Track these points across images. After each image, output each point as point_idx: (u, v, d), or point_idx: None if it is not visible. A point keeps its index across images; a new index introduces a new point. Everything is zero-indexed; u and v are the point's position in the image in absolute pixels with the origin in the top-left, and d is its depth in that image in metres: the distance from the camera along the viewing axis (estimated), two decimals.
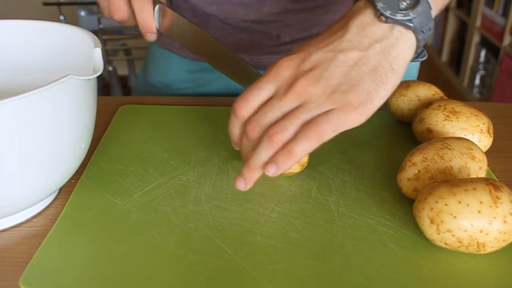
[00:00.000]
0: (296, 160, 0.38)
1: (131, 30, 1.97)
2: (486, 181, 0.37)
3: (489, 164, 0.50)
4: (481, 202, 0.35)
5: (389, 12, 0.37)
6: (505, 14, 2.05)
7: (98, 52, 0.42)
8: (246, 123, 0.40)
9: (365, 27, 0.38)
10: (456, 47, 2.69)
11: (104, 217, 0.42)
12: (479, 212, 0.35)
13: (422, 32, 0.39)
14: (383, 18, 0.38)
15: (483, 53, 2.34)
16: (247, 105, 0.40)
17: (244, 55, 0.67)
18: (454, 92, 2.53)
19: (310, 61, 0.38)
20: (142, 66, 0.81)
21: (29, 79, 0.50)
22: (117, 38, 2.02)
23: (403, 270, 0.37)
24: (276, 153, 0.38)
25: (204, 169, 0.49)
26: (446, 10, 2.75)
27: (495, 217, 0.35)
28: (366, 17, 0.38)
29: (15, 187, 0.38)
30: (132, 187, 0.46)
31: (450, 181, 0.38)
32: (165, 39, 0.72)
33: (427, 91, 0.55)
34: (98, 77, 0.41)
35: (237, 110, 0.40)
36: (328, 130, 0.37)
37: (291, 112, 0.38)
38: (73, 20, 2.22)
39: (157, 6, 0.50)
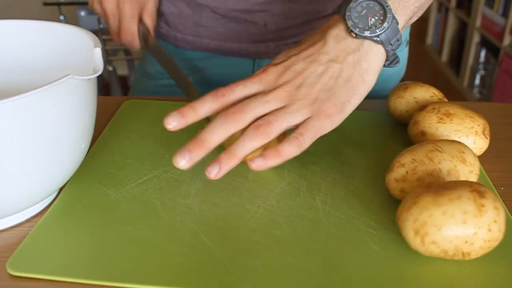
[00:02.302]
0: (281, 160, 0.40)
1: None
2: (470, 187, 0.36)
3: (488, 164, 0.50)
4: (465, 213, 0.35)
5: (357, 30, 0.42)
6: (505, 14, 2.05)
7: (98, 52, 0.42)
8: (226, 109, 0.41)
9: (340, 40, 0.43)
10: (456, 47, 2.69)
11: (94, 207, 0.43)
12: (464, 222, 0.35)
13: (390, 44, 0.43)
14: (353, 35, 0.42)
15: (483, 53, 2.34)
16: (231, 94, 0.42)
17: (234, 44, 0.70)
18: (454, 92, 2.53)
19: (294, 69, 0.43)
20: (141, 59, 0.83)
21: (29, 79, 0.50)
22: None
23: (383, 271, 0.37)
24: (267, 151, 0.40)
25: (198, 164, 0.49)
26: (446, 10, 2.75)
27: (480, 227, 0.35)
28: (340, 32, 0.43)
29: (15, 187, 0.38)
30: (126, 179, 0.47)
31: (434, 186, 0.37)
32: (160, 30, 0.74)
33: (425, 92, 0.54)
34: (98, 77, 0.41)
35: (219, 94, 0.42)
36: (308, 139, 0.41)
37: (276, 110, 0.41)
38: (73, 20, 2.22)
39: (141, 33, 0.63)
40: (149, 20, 0.66)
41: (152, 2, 0.66)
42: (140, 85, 0.79)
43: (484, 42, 2.32)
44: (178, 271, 0.37)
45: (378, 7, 0.43)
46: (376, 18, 0.42)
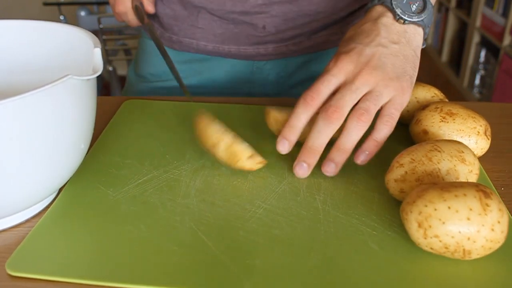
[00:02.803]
0: (379, 147, 0.46)
1: (131, 30, 1.97)
2: (476, 187, 0.36)
3: (488, 165, 0.50)
4: (470, 209, 0.35)
5: (407, 16, 0.48)
6: (505, 14, 2.05)
7: (98, 52, 0.42)
8: (324, 109, 0.45)
9: (389, 27, 0.48)
10: (456, 47, 2.69)
11: (94, 207, 0.43)
12: (468, 219, 0.35)
13: (428, 26, 0.50)
14: (401, 21, 0.48)
15: (483, 53, 2.34)
16: (318, 96, 0.46)
17: (232, 46, 0.69)
18: (454, 92, 2.53)
19: (365, 55, 0.46)
20: (133, 61, 0.82)
21: (29, 79, 0.50)
22: (117, 38, 2.02)
23: (383, 271, 0.37)
24: (366, 144, 0.46)
25: (198, 164, 0.49)
26: (446, 10, 2.75)
27: (483, 225, 0.35)
28: (388, 19, 0.48)
29: (15, 187, 0.38)
30: (126, 179, 0.47)
31: (440, 183, 0.38)
32: (155, 32, 0.73)
33: (426, 92, 0.54)
34: (98, 77, 0.41)
35: (309, 100, 0.46)
36: (397, 116, 0.46)
37: (366, 95, 0.45)
38: (73, 20, 2.22)
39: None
40: None
41: None
42: (133, 88, 0.78)
43: (484, 42, 2.32)
44: (178, 271, 0.37)
45: None
46: (417, 4, 0.49)
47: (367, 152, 0.46)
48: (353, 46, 0.47)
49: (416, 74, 0.48)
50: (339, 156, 0.46)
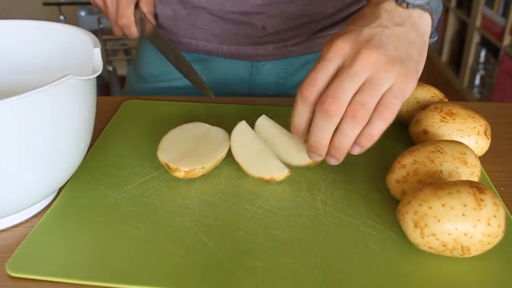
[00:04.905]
0: (375, 140, 0.42)
1: None
2: (470, 183, 0.36)
3: (488, 164, 0.50)
4: (465, 205, 0.35)
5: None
6: (505, 14, 2.05)
7: (97, 52, 0.42)
8: (320, 101, 0.41)
9: (392, 11, 0.44)
10: (456, 47, 2.69)
11: (94, 208, 0.43)
12: (463, 215, 0.35)
13: (436, 12, 0.45)
14: (404, 4, 0.44)
15: (483, 53, 2.34)
16: (315, 87, 0.42)
17: (231, 46, 0.69)
18: (454, 92, 2.53)
19: (364, 34, 0.42)
20: (132, 62, 0.82)
21: (29, 79, 0.50)
22: (117, 38, 2.02)
23: (383, 271, 0.37)
24: (358, 136, 0.41)
25: None
26: (446, 10, 2.75)
27: (479, 220, 0.35)
28: (390, 4, 0.44)
29: (14, 187, 0.38)
30: (126, 180, 0.47)
31: (435, 183, 0.38)
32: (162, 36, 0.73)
33: (426, 93, 0.54)
34: (98, 77, 0.41)
35: (306, 95, 0.42)
36: (397, 105, 0.41)
37: (364, 85, 0.41)
38: (73, 20, 2.22)
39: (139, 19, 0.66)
40: (145, 6, 0.67)
41: None
42: (132, 88, 0.78)
43: (484, 42, 2.32)
44: (178, 271, 0.37)
45: None
46: None
47: (360, 147, 0.42)
48: (350, 29, 0.43)
49: (423, 61, 0.44)
50: (337, 153, 0.43)
